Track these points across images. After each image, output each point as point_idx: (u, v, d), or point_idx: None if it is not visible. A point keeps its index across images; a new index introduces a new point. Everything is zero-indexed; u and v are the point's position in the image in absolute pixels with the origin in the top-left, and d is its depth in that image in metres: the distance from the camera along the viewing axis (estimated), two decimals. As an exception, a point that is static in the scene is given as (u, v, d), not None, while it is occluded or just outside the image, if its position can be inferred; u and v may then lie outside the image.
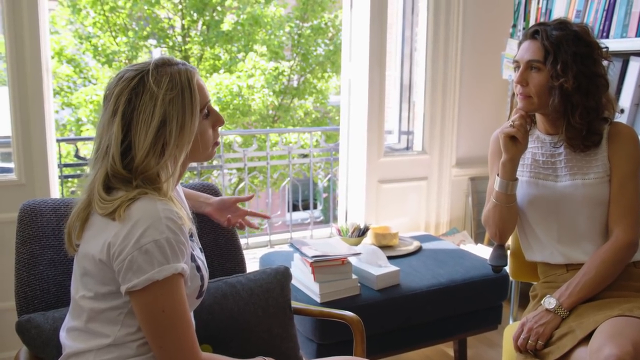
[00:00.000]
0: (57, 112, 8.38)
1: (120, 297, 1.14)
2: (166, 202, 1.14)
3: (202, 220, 1.70)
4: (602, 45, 1.64)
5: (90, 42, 8.43)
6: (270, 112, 9.59)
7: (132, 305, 1.13)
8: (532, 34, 1.64)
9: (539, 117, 1.74)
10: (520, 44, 1.70)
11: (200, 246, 1.36)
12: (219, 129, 1.32)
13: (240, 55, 9.11)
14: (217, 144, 1.31)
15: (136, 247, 1.08)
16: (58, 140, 3.26)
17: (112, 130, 1.14)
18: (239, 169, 7.16)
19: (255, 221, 1.80)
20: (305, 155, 4.29)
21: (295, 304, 1.71)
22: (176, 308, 1.12)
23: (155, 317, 1.11)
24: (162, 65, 1.18)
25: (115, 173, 1.14)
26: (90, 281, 1.17)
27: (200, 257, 1.30)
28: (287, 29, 9.66)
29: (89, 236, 1.17)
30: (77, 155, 3.69)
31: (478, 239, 3.51)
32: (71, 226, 1.20)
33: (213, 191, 1.76)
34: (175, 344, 1.12)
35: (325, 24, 9.79)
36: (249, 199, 1.80)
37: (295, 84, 9.92)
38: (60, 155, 3.40)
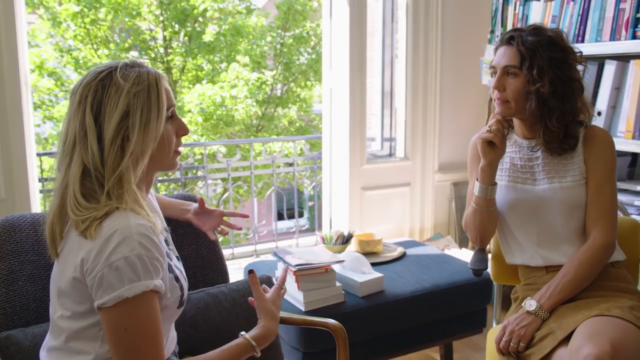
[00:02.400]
0: (38, 125, 8.29)
1: (97, 314, 1.12)
2: (139, 216, 1.12)
3: (184, 231, 1.70)
4: (576, 50, 1.67)
5: (71, 55, 8.37)
6: (255, 121, 9.58)
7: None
8: (508, 39, 1.67)
9: (516, 121, 1.76)
10: (496, 49, 1.72)
11: (177, 254, 1.35)
12: (183, 138, 1.31)
13: (222, 66, 9.11)
14: (178, 153, 1.29)
15: (106, 264, 1.07)
16: (39, 154, 3.23)
17: (85, 121, 1.13)
18: (223, 179, 7.14)
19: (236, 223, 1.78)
20: (290, 164, 4.29)
21: (278, 313, 1.71)
22: (142, 326, 1.09)
23: (117, 334, 1.09)
24: (132, 65, 1.19)
25: (95, 167, 1.13)
26: (67, 301, 1.16)
27: (178, 267, 1.29)
28: (269, 38, 9.68)
29: (64, 255, 1.15)
30: (59, 169, 3.64)
31: (462, 243, 3.53)
32: (53, 228, 1.18)
33: (193, 201, 1.75)
34: None
35: (307, 32, 9.82)
36: (238, 214, 1.79)
37: (278, 93, 9.93)
38: (42, 170, 3.37)
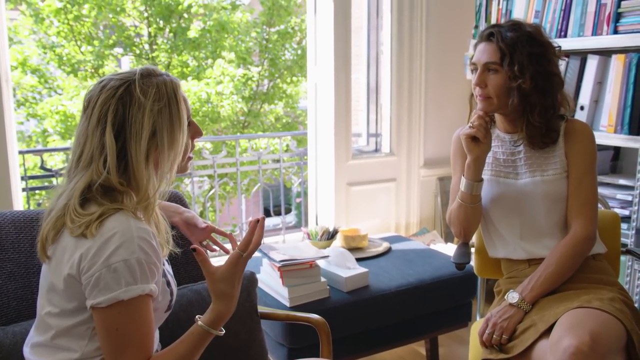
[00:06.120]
0: (21, 123, 8.20)
1: (87, 312, 1.13)
2: (139, 219, 1.13)
3: (167, 228, 1.69)
4: (555, 45, 1.69)
5: (54, 51, 8.27)
6: (241, 118, 9.55)
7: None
8: (487, 36, 1.67)
9: (498, 116, 1.77)
10: (475, 46, 1.72)
11: (167, 258, 1.35)
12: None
13: (208, 62, 9.06)
14: (190, 158, 1.30)
15: (105, 265, 1.07)
16: (22, 152, 3.20)
17: (104, 140, 1.12)
18: (209, 176, 7.11)
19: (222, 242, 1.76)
20: (276, 160, 4.28)
21: (262, 309, 1.71)
22: (133, 327, 1.10)
23: (108, 333, 1.09)
24: (148, 75, 1.17)
25: (108, 183, 1.13)
26: (56, 297, 1.15)
27: (169, 271, 1.30)
28: (254, 34, 9.64)
29: (59, 253, 1.14)
30: (42, 167, 3.62)
31: (448, 238, 3.55)
32: (46, 234, 1.17)
33: (178, 199, 1.74)
34: None
35: (292, 28, 9.80)
36: (225, 234, 1.76)
37: (264, 89, 9.90)
38: (26, 168, 3.33)
